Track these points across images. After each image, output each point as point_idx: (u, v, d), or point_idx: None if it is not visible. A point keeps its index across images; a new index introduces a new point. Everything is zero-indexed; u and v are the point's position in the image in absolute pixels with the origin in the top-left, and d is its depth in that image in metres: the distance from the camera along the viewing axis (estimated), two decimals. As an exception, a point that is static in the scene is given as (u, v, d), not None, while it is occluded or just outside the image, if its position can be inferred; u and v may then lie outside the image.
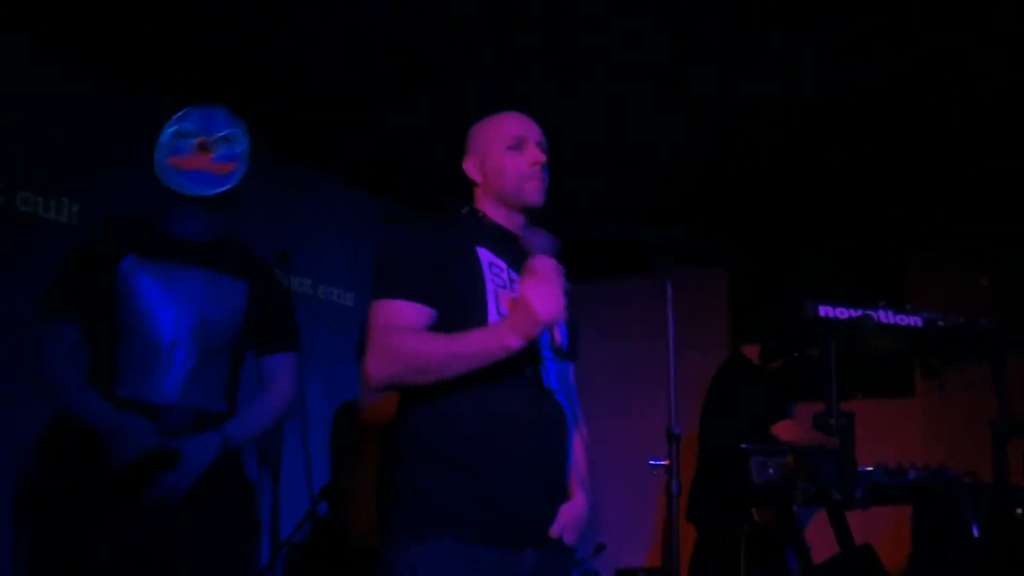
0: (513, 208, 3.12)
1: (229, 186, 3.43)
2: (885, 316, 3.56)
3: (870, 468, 3.68)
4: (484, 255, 2.98)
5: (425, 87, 5.91)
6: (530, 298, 2.71)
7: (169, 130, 3.43)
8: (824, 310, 3.46)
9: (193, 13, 5.10)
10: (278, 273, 3.75)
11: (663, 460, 3.32)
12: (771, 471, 3.60)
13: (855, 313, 3.50)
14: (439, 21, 5.18)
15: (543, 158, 3.13)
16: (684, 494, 4.16)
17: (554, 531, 2.84)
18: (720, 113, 6.19)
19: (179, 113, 3.48)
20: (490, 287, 2.91)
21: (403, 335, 2.79)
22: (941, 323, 3.62)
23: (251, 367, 3.66)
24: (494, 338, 2.74)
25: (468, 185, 3.19)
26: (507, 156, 3.11)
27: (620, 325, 8.20)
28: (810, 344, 3.60)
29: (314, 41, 5.41)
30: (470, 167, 3.17)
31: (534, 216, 3.15)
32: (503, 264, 2.99)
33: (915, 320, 3.62)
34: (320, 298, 6.92)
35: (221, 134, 3.46)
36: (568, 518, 2.90)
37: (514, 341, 2.72)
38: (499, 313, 2.88)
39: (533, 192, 3.11)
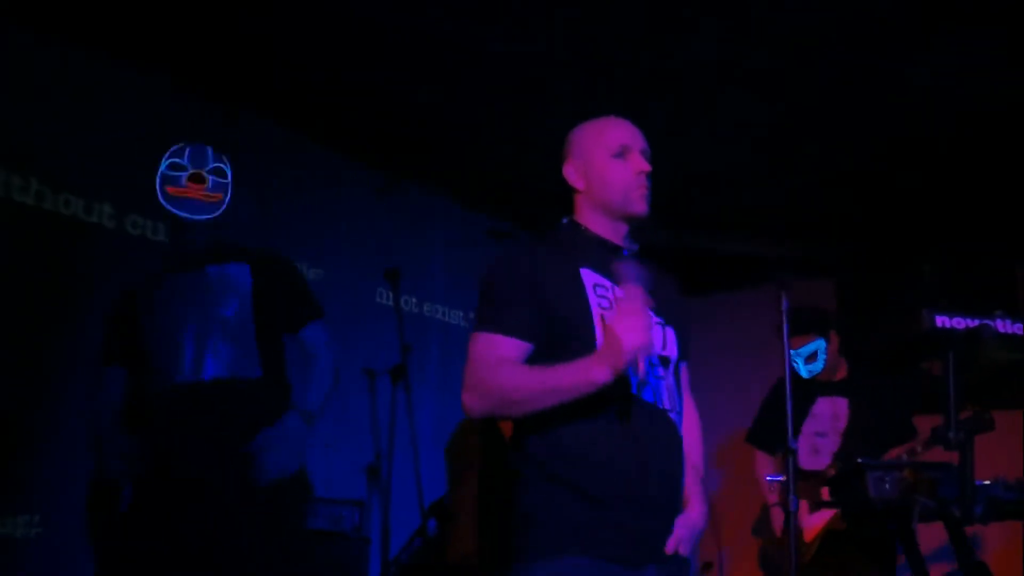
0: (617, 218, 3.00)
1: (218, 213, 3.81)
2: (1003, 325, 3.47)
3: (988, 482, 3.60)
4: (588, 277, 2.89)
5: (532, 105, 5.91)
6: (617, 330, 2.61)
7: (165, 162, 3.81)
8: (941, 320, 3.38)
9: (306, 34, 5.16)
10: (280, 253, 4.04)
11: (780, 475, 3.27)
12: (888, 486, 3.54)
13: (972, 323, 3.42)
14: (550, 40, 5.17)
15: (648, 167, 3.01)
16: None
17: (670, 547, 2.80)
18: (834, 125, 6.12)
19: (173, 148, 3.85)
20: (595, 311, 2.82)
21: (497, 370, 2.75)
22: (1060, 332, 3.52)
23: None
24: (582, 373, 2.65)
25: (568, 193, 3.09)
26: (612, 164, 3.00)
27: (733, 338, 8.14)
28: (928, 355, 3.52)
29: (421, 63, 5.43)
30: (571, 173, 3.06)
31: (638, 227, 3.04)
32: (608, 283, 2.88)
33: (1033, 328, 3.53)
34: (426, 315, 6.95)
35: (210, 167, 3.83)
36: (683, 531, 2.85)
37: (601, 375, 2.63)
38: None
39: (639, 201, 2.98)
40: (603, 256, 2.95)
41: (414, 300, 6.80)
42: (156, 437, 3.62)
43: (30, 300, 4.81)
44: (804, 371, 5.50)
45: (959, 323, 3.43)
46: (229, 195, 3.81)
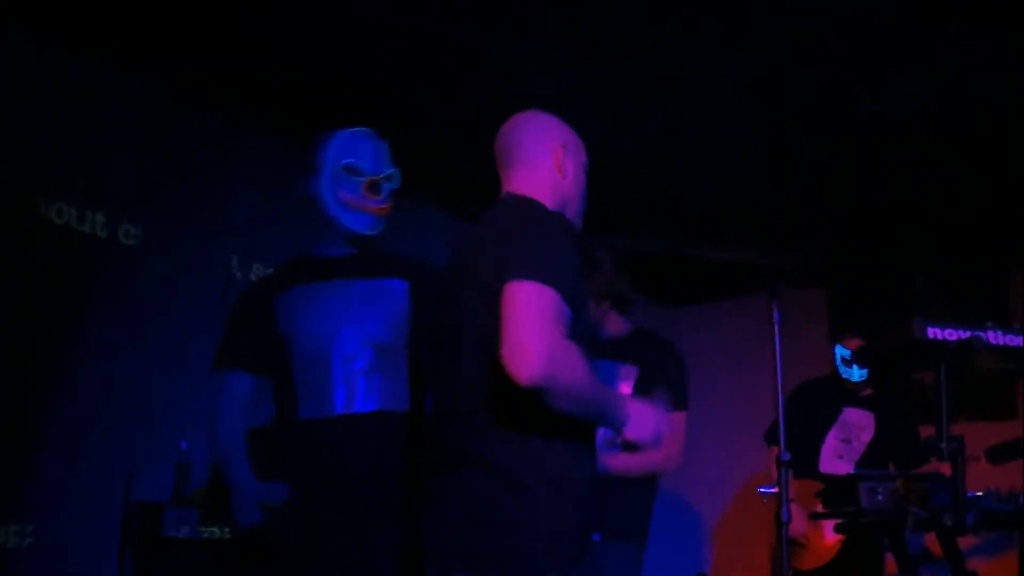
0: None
1: (383, 226, 3.48)
2: (994, 336, 3.49)
3: (980, 493, 3.62)
4: None
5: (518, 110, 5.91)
6: (651, 419, 2.69)
7: (339, 160, 3.44)
8: (933, 331, 3.40)
9: (300, 37, 5.16)
10: (434, 265, 3.54)
11: (772, 487, 3.28)
12: (880, 497, 3.56)
13: (964, 334, 3.44)
14: (546, 45, 5.17)
15: None
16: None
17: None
18: (819, 133, 6.13)
19: (344, 136, 3.50)
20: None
21: (576, 350, 2.46)
22: (1051, 343, 3.54)
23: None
24: (620, 418, 2.63)
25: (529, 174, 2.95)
26: (583, 179, 3.04)
27: (721, 348, 8.18)
28: (920, 366, 3.54)
29: (416, 71, 5.43)
30: (569, 164, 2.97)
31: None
32: None
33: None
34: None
35: (385, 173, 3.51)
36: None
37: (629, 436, 2.66)
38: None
39: (579, 222, 3.05)
40: None
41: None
42: (303, 477, 3.32)
43: (23, 309, 4.80)
44: (856, 373, 5.57)
45: (951, 334, 3.44)
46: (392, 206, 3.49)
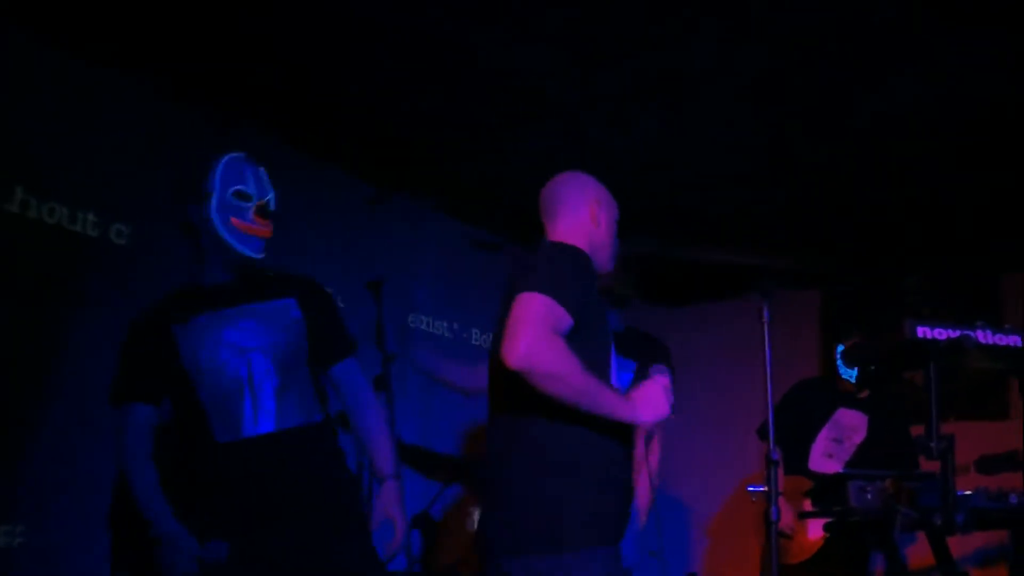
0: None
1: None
2: (984, 336, 3.50)
3: (970, 492, 3.62)
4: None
5: (523, 116, 5.92)
6: (659, 397, 3.18)
7: (229, 187, 3.48)
8: (922, 331, 3.41)
9: (287, 40, 5.15)
10: (317, 282, 3.77)
11: (761, 486, 3.30)
12: (869, 496, 3.57)
13: (954, 333, 3.45)
14: (545, 46, 5.17)
15: None
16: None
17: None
18: (816, 138, 6.13)
19: (228, 162, 3.53)
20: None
21: (562, 343, 2.94)
22: (1041, 342, 3.55)
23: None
24: (628, 408, 3.10)
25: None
26: (614, 230, 3.57)
27: (715, 348, 8.18)
28: (910, 366, 3.55)
29: (412, 72, 5.42)
30: (600, 214, 3.50)
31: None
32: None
33: (1014, 339, 3.56)
34: (410, 326, 6.94)
35: (268, 197, 3.58)
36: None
37: (645, 418, 3.14)
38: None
39: (610, 267, 3.55)
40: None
41: (398, 310, 6.80)
42: (229, 508, 3.37)
43: (13, 309, 4.79)
44: (851, 373, 5.59)
45: (941, 334, 3.45)
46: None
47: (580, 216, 3.46)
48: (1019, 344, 3.53)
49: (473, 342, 7.36)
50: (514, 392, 3.02)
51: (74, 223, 5.09)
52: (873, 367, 3.89)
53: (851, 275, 8.49)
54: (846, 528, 4.12)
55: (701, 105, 5.77)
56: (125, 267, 5.23)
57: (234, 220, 3.45)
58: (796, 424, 5.60)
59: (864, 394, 5.67)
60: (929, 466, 3.61)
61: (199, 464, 3.43)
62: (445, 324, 7.18)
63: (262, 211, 3.50)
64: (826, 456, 5.56)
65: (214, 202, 3.45)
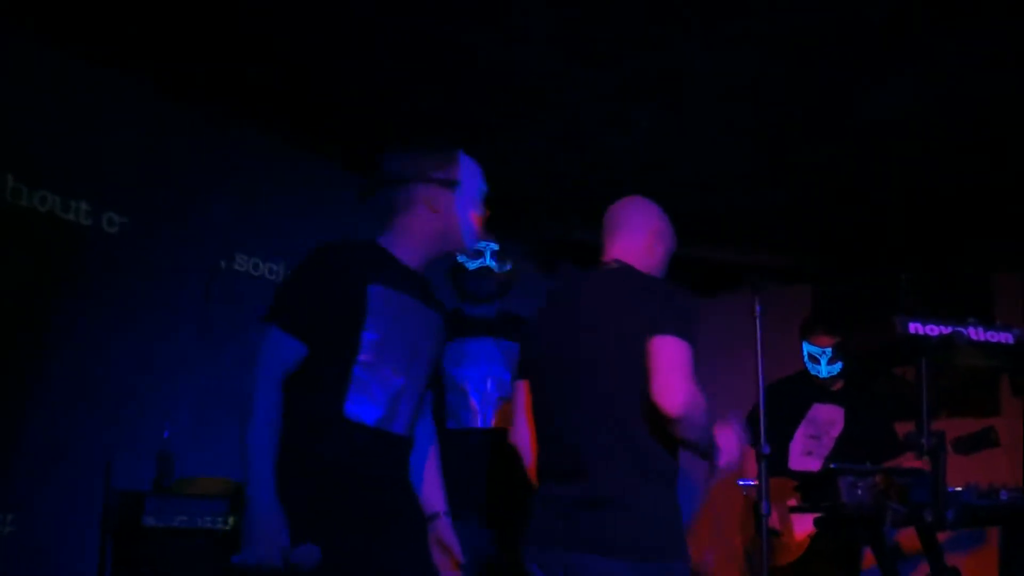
0: None
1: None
2: (975, 333, 3.50)
3: (960, 488, 3.62)
4: None
5: (518, 113, 5.92)
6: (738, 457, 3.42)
7: (475, 183, 3.47)
8: (914, 327, 3.41)
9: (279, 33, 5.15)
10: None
11: (752, 480, 3.30)
12: (860, 492, 3.57)
13: (945, 330, 3.45)
14: (541, 45, 5.17)
15: None
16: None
17: None
18: (811, 137, 6.15)
19: (468, 161, 3.48)
20: None
21: (703, 396, 3.23)
22: (1032, 340, 3.55)
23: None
24: (715, 455, 3.35)
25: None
26: (666, 265, 3.73)
27: (707, 343, 8.16)
28: (901, 362, 3.55)
29: (408, 68, 5.42)
30: (659, 248, 3.68)
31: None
32: None
33: (1006, 336, 3.56)
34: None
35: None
36: None
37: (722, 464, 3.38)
38: None
39: None
40: None
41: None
42: (333, 491, 3.10)
43: (4, 297, 4.78)
44: (824, 370, 5.57)
45: (932, 330, 3.46)
46: None
47: (637, 242, 3.61)
48: (1010, 341, 3.54)
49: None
50: (625, 409, 3.25)
51: (67, 211, 5.08)
52: (865, 363, 3.89)
53: (844, 272, 8.50)
54: (836, 524, 4.12)
55: (698, 105, 5.78)
56: (117, 256, 5.23)
57: (474, 215, 3.44)
58: (772, 424, 5.58)
59: (838, 386, 5.66)
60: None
61: (316, 433, 3.15)
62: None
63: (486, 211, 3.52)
64: (806, 454, 5.54)
65: (461, 193, 3.41)
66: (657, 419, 3.16)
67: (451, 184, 3.39)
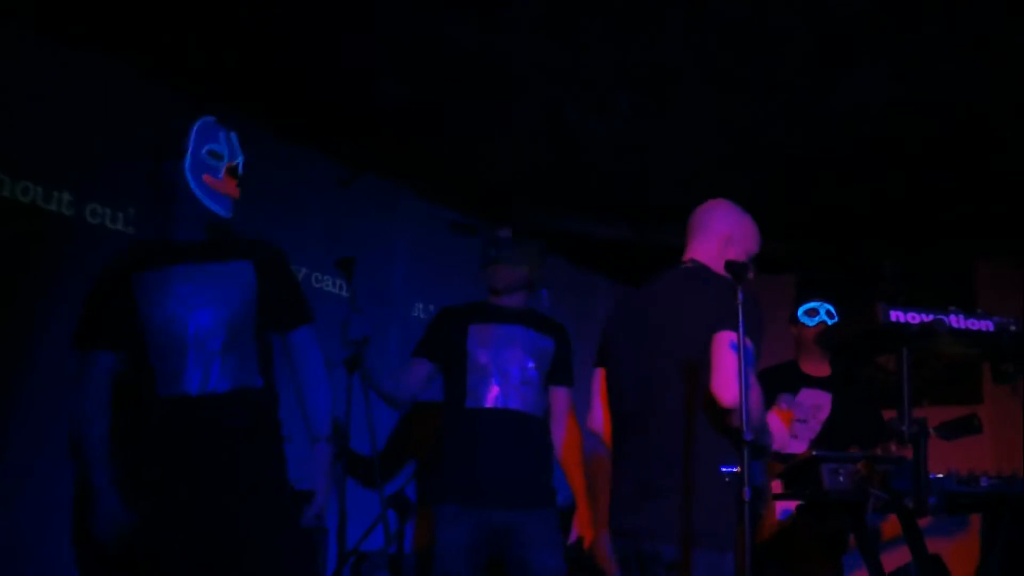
0: None
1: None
2: (957, 321, 3.52)
3: (941, 475, 3.64)
4: None
5: (498, 98, 5.92)
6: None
7: (203, 146, 3.59)
8: (896, 315, 3.43)
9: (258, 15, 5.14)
10: (279, 250, 3.82)
11: (734, 466, 3.32)
12: (842, 478, 3.58)
13: (927, 318, 3.47)
14: (512, 31, 5.17)
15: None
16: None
17: None
18: (792, 125, 6.16)
19: (203, 124, 3.64)
20: None
21: (758, 388, 3.47)
22: (1013, 328, 3.57)
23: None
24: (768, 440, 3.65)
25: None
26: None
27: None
28: (883, 350, 3.56)
29: (385, 52, 5.42)
30: (729, 252, 3.74)
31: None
32: None
33: (987, 324, 3.58)
34: (385, 307, 6.91)
35: (239, 160, 3.69)
36: None
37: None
38: None
39: None
40: None
41: (372, 291, 6.77)
42: (153, 462, 3.44)
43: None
44: (804, 318, 5.65)
45: (914, 318, 3.47)
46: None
47: (709, 246, 3.79)
48: (991, 329, 3.56)
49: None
50: (685, 400, 3.46)
51: (49, 202, 5.07)
52: (847, 351, 3.92)
53: (827, 261, 8.52)
54: (818, 511, 4.14)
55: (678, 91, 5.79)
56: (100, 247, 5.21)
57: (206, 177, 3.56)
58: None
59: (826, 372, 5.69)
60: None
61: (137, 416, 3.47)
62: (420, 305, 7.17)
63: (232, 171, 3.62)
64: (791, 437, 5.58)
65: (188, 160, 3.55)
66: (717, 411, 3.33)
67: (179, 154, 3.58)
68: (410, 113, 6.17)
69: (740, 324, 3.15)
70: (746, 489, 3.12)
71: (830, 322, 5.62)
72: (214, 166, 3.58)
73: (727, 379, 3.30)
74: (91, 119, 5.19)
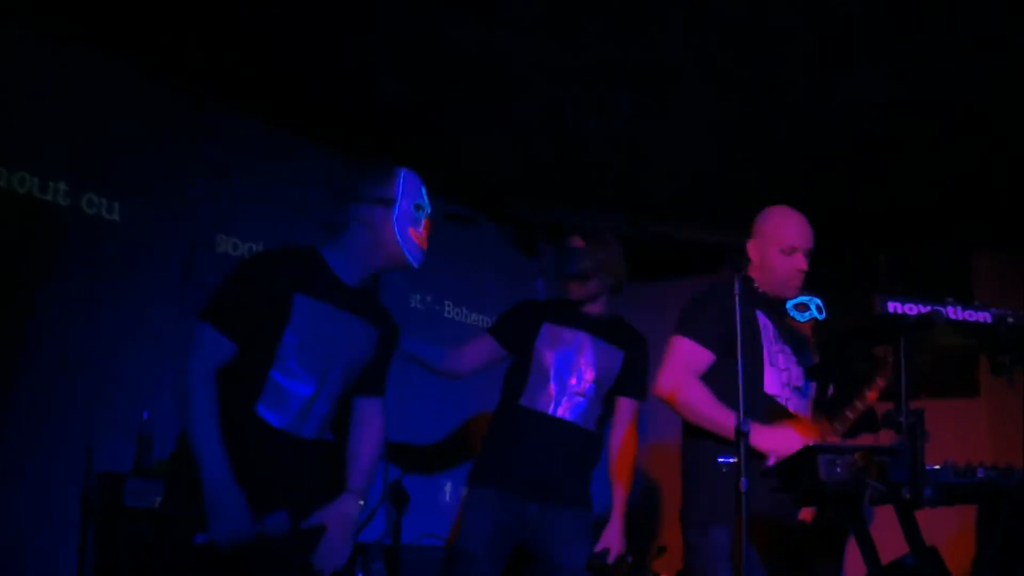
0: (774, 294, 4.22)
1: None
2: (954, 312, 3.51)
3: (938, 467, 3.64)
4: (761, 317, 4.14)
5: (495, 90, 5.91)
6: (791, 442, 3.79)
7: (411, 200, 3.61)
8: (893, 306, 3.42)
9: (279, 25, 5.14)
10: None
11: (731, 457, 3.31)
12: (839, 469, 3.58)
13: (924, 309, 3.46)
14: (513, 31, 5.17)
15: (806, 267, 4.21)
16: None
17: None
18: (789, 120, 6.16)
19: (409, 176, 3.67)
20: (765, 342, 4.09)
21: (693, 381, 3.96)
22: (1011, 319, 3.56)
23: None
24: (768, 439, 3.86)
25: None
26: (779, 258, 4.16)
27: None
28: (880, 340, 3.56)
29: (384, 47, 5.41)
30: (752, 249, 4.19)
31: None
32: (772, 326, 4.19)
33: (984, 316, 3.57)
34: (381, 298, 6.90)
35: (429, 213, 3.69)
36: None
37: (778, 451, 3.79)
38: (771, 362, 4.11)
39: (791, 291, 4.24)
40: (770, 306, 4.27)
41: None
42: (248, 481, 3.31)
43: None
44: (793, 312, 5.63)
45: (911, 309, 3.47)
46: None
47: (750, 250, 4.21)
48: (989, 320, 3.55)
49: (445, 315, 7.36)
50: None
51: (45, 192, 5.06)
52: (844, 342, 3.92)
53: (824, 253, 8.51)
54: (816, 502, 4.14)
55: (678, 91, 5.80)
56: (96, 237, 5.21)
57: (411, 231, 3.59)
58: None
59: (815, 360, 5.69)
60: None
61: (228, 425, 3.33)
62: (417, 296, 7.17)
63: (428, 226, 3.66)
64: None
65: (397, 210, 3.57)
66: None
67: (387, 202, 3.56)
68: (410, 113, 6.17)
69: (737, 316, 3.16)
70: (743, 480, 3.12)
71: (820, 317, 5.58)
72: (418, 219, 3.62)
73: (657, 377, 4.02)
74: (87, 111, 5.20)
